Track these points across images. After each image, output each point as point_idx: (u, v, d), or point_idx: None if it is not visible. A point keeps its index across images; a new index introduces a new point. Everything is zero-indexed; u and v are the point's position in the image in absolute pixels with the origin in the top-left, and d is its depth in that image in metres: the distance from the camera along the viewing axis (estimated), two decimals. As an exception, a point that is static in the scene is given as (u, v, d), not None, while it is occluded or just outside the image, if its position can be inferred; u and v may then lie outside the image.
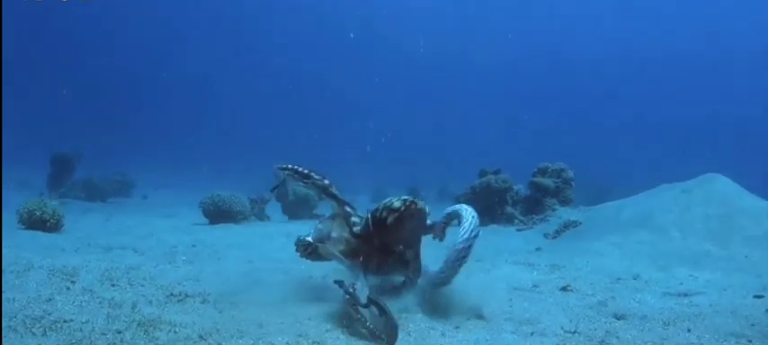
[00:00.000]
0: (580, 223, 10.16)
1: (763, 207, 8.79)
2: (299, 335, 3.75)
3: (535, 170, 12.48)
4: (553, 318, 4.38)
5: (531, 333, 4.04)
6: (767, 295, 5.55)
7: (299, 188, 12.27)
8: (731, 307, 4.95)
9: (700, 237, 8.27)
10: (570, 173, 12.42)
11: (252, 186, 12.79)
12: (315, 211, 12.58)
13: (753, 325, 4.34)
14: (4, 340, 3.36)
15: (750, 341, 4.00)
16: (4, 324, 3.57)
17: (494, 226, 11.15)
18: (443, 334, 3.96)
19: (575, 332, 4.02)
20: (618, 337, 3.97)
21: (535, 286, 5.64)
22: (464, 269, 4.84)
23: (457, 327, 4.14)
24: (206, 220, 10.99)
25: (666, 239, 8.41)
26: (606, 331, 4.02)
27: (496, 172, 11.84)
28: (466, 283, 5.62)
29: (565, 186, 12.15)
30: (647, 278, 6.49)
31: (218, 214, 10.85)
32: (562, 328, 4.12)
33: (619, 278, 6.37)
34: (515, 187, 12.09)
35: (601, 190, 21.22)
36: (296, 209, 12.44)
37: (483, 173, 11.94)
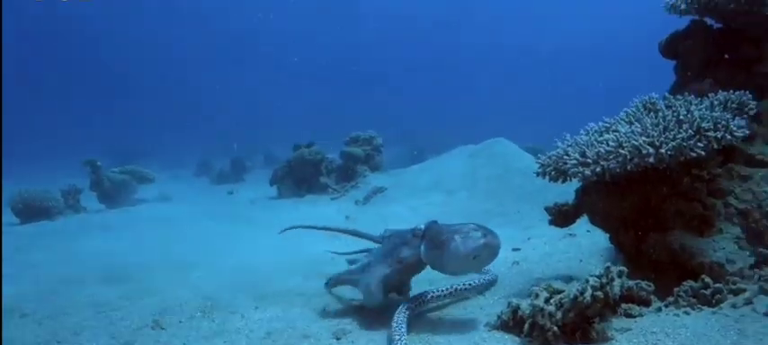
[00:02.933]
0: (386, 188, 11.19)
1: (535, 166, 10.31)
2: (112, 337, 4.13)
3: (347, 139, 13.40)
4: (341, 290, 5.09)
5: (322, 307, 4.57)
6: (523, 248, 6.75)
7: (114, 174, 12.20)
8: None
9: (482, 197, 9.56)
10: (379, 140, 13.46)
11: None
12: (135, 196, 12.62)
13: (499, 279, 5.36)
14: None
15: (483, 295, 4.77)
16: None
17: (310, 196, 11.96)
18: (243, 316, 4.41)
19: (353, 300, 4.72)
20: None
21: (333, 258, 6.34)
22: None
23: (256, 307, 4.64)
24: (17, 220, 10.60)
25: (455, 200, 9.64)
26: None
27: (309, 145, 12.58)
28: (272, 261, 6.31)
29: (375, 153, 13.19)
30: (434, 239, 7.52)
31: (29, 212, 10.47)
32: (346, 297, 4.85)
33: (408, 242, 7.34)
34: (329, 156, 12.96)
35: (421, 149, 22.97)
36: (113, 196, 12.32)
37: (297, 147, 12.64)
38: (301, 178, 12.21)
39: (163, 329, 4.11)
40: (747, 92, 4.34)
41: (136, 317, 4.39)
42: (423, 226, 4.23)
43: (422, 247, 4.13)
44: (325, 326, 4.05)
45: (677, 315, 3.45)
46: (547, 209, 5.06)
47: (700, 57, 5.23)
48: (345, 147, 13.02)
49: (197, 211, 9.94)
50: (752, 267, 3.88)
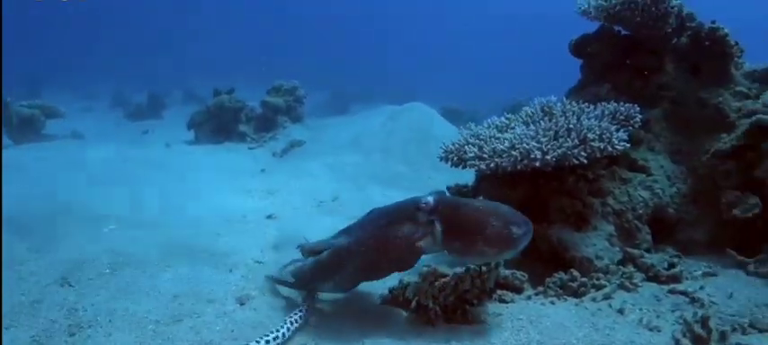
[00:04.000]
0: (304, 142, 11.34)
1: (450, 134, 10.71)
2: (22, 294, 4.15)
3: (269, 87, 13.39)
4: (247, 249, 5.26)
5: (230, 268, 4.78)
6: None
7: (21, 108, 11.75)
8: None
9: (397, 160, 9.87)
10: (302, 92, 13.52)
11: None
12: (43, 131, 12.25)
13: None
14: None
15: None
16: None
17: (228, 144, 11.96)
18: (152, 275, 4.50)
19: (260, 263, 4.98)
20: (290, 264, 4.89)
21: (244, 216, 6.54)
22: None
23: (166, 266, 4.72)
24: None
25: (371, 161, 9.90)
26: (284, 259, 4.95)
27: (230, 92, 12.52)
28: (184, 215, 6.41)
29: (296, 104, 13.26)
30: (346, 199, 7.78)
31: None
32: (252, 259, 5.07)
33: (321, 202, 7.60)
34: (250, 104, 12.93)
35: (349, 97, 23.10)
36: (22, 131, 11.89)
37: (217, 93, 12.54)
38: (220, 125, 12.19)
39: (71, 286, 4.18)
40: (636, 105, 4.77)
41: (44, 272, 4.41)
42: (431, 199, 3.56)
43: (437, 227, 3.47)
44: (231, 291, 4.25)
45: (543, 304, 3.88)
46: (448, 189, 5.41)
47: (603, 61, 5.66)
48: (267, 96, 13.01)
49: (110, 154, 9.77)
50: (618, 263, 4.37)
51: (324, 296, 4.10)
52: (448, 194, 5.33)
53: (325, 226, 6.35)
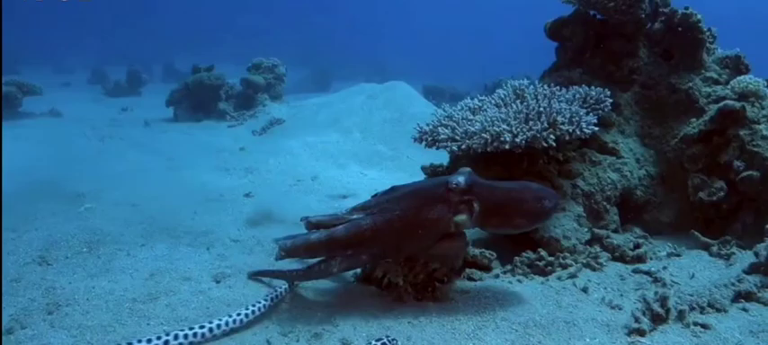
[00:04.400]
0: (284, 120, 11.37)
1: (430, 113, 10.77)
2: None
3: (250, 64, 13.35)
4: (224, 228, 5.33)
5: (207, 246, 4.84)
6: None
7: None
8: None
9: (376, 139, 9.95)
10: (283, 69, 13.50)
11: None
12: (20, 109, 12.13)
13: None
14: None
15: None
16: None
17: (207, 122, 11.96)
18: (129, 254, 4.57)
19: (237, 241, 5.05)
20: (262, 244, 4.93)
21: (221, 195, 6.58)
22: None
23: (143, 245, 4.79)
24: None
25: (350, 140, 9.97)
26: (257, 241, 5.07)
27: (209, 69, 12.46)
28: (162, 192, 6.44)
29: (276, 82, 13.24)
30: (324, 178, 7.86)
31: None
32: (229, 237, 5.14)
33: (299, 180, 7.66)
34: (230, 82, 12.90)
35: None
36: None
37: (196, 70, 12.49)
38: (199, 102, 12.17)
39: (49, 265, 4.22)
40: (606, 90, 4.86)
41: (22, 251, 4.45)
42: (461, 179, 3.55)
43: (476, 207, 3.49)
44: (207, 269, 4.31)
45: (511, 283, 4.00)
46: (423, 169, 5.49)
47: (577, 45, 5.73)
48: (247, 74, 12.98)
49: (87, 131, 9.75)
50: (585, 243, 4.49)
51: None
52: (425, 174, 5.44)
53: (302, 205, 6.45)
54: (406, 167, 8.73)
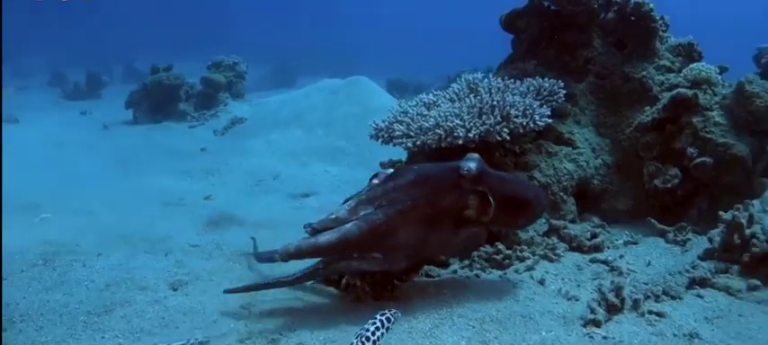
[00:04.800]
0: (246, 119, 11.26)
1: (391, 107, 10.78)
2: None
3: (210, 63, 13.18)
4: (183, 233, 5.24)
5: (165, 253, 4.75)
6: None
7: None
8: (332, 207, 6.34)
9: (338, 135, 9.90)
10: (244, 67, 13.36)
11: None
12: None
13: None
14: None
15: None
16: None
17: (168, 123, 11.77)
18: (85, 264, 4.44)
19: (196, 246, 4.96)
20: (221, 248, 4.88)
21: (181, 199, 6.49)
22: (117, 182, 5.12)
23: (99, 254, 4.66)
24: None
25: (313, 137, 9.91)
26: (216, 245, 5.01)
27: (168, 69, 12.27)
28: (119, 200, 6.33)
29: (238, 80, 13.10)
30: (286, 176, 7.81)
31: None
32: (188, 243, 5.05)
33: (261, 180, 7.59)
34: (190, 81, 12.71)
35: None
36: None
37: (155, 70, 12.28)
38: (158, 103, 11.96)
39: (3, 279, 4.10)
40: (560, 81, 4.90)
41: (-25, 265, 4.31)
42: (473, 166, 3.40)
43: (491, 201, 3.37)
44: (164, 277, 4.24)
45: (468, 278, 4.01)
46: (382, 165, 5.47)
47: (531, 36, 5.76)
48: (207, 72, 12.81)
49: (45, 137, 9.53)
50: (543, 235, 4.52)
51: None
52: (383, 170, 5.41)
53: (264, 205, 6.39)
54: (369, 163, 8.65)
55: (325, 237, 3.34)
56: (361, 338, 2.80)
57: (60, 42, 27.46)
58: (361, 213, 3.39)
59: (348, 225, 3.34)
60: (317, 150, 9.33)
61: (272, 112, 11.38)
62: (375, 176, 3.72)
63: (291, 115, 10.80)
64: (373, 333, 2.81)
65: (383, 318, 2.89)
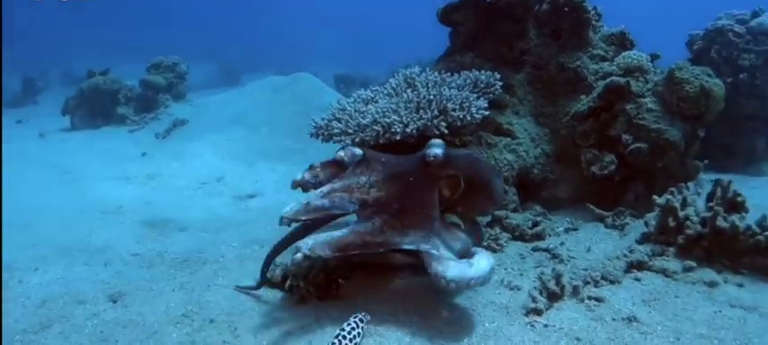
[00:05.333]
0: (188, 121, 11.04)
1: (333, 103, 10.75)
2: None
3: (149, 65, 12.89)
4: (123, 242, 5.09)
5: (104, 264, 4.60)
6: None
7: None
8: (277, 208, 6.27)
9: (283, 133, 9.78)
10: (184, 67, 13.12)
11: None
12: None
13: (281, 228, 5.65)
14: None
15: (262, 246, 4.85)
16: None
17: (107, 128, 11.46)
18: (21, 281, 4.29)
19: (137, 255, 4.85)
20: (163, 256, 4.73)
21: (120, 207, 6.29)
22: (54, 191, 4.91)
23: (36, 269, 4.51)
24: None
25: (258, 136, 9.77)
26: (157, 253, 4.86)
27: (105, 72, 11.96)
28: (56, 214, 6.09)
29: (178, 80, 12.85)
30: (230, 178, 7.68)
31: None
32: (128, 252, 4.92)
33: (204, 183, 7.45)
34: (129, 83, 12.41)
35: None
36: None
37: (91, 74, 11.95)
38: (96, 108, 11.65)
39: None
40: (496, 73, 4.95)
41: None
42: (439, 152, 3.37)
43: (462, 184, 3.41)
44: (103, 289, 4.12)
45: (412, 275, 4.02)
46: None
47: (468, 29, 5.81)
48: (147, 75, 12.53)
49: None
50: (486, 225, 4.57)
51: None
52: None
53: (206, 209, 6.27)
54: (315, 160, 8.63)
55: (339, 233, 3.23)
56: (339, 337, 2.89)
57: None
58: (337, 200, 3.38)
59: (346, 233, 3.26)
60: (262, 150, 9.21)
61: (214, 113, 11.18)
62: (342, 150, 3.79)
63: (234, 115, 10.63)
64: (349, 333, 2.92)
65: (357, 320, 2.99)
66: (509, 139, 5.16)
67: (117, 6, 41.17)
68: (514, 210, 4.94)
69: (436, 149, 3.41)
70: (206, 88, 16.75)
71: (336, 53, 28.75)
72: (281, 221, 3.47)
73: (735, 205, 4.04)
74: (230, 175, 7.85)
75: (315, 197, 3.45)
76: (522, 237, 4.63)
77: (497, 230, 4.60)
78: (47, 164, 8.40)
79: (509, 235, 4.61)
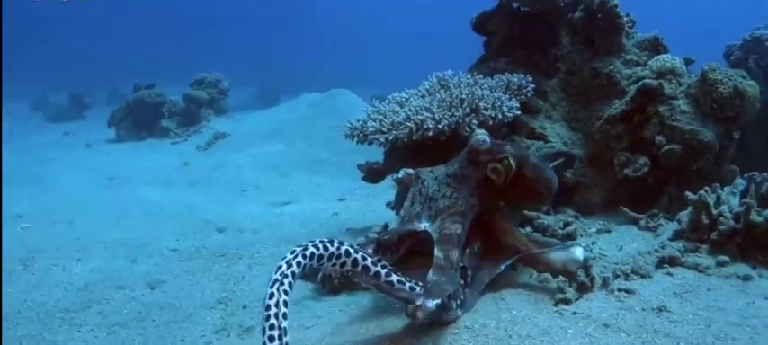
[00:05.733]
0: (228, 134, 11.33)
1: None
2: None
3: (192, 81, 13.27)
4: (163, 239, 5.28)
5: (145, 256, 4.80)
6: (348, 198, 7.27)
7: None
8: (311, 213, 6.44)
9: (320, 146, 9.99)
10: (226, 84, 13.48)
11: None
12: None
13: (313, 229, 5.79)
14: None
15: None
16: None
17: (151, 140, 11.85)
18: (64, 268, 4.51)
19: (176, 250, 5.01)
20: (201, 251, 4.91)
21: (162, 208, 6.53)
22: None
23: (79, 259, 4.74)
24: None
25: (294, 149, 10.00)
26: (196, 249, 5.00)
27: (150, 87, 12.36)
28: (99, 212, 6.35)
29: (220, 96, 13.19)
30: (267, 187, 7.88)
31: None
32: (168, 247, 5.10)
33: (243, 191, 7.65)
34: (173, 98, 12.79)
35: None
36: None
37: (137, 88, 12.37)
38: (141, 121, 12.05)
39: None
40: (528, 76, 5.00)
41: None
42: (486, 137, 3.40)
43: (512, 164, 3.37)
44: (142, 277, 4.30)
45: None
46: (359, 167, 5.56)
47: (502, 36, 5.88)
48: (190, 90, 12.90)
49: (27, 157, 9.54)
50: (517, 226, 4.59)
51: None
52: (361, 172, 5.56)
53: (244, 213, 6.45)
54: (348, 172, 8.73)
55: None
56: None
57: (43, 67, 27.41)
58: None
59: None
60: (298, 161, 9.42)
61: (253, 127, 11.47)
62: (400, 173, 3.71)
63: (272, 129, 10.90)
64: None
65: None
66: (542, 143, 5.17)
67: (162, 32, 42.44)
68: (547, 213, 4.95)
69: (482, 135, 3.42)
70: (246, 109, 17.12)
71: (374, 75, 29.00)
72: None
73: (768, 200, 4.00)
74: (267, 184, 8.04)
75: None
76: (553, 237, 4.62)
77: (529, 229, 4.61)
78: (92, 170, 8.75)
79: (540, 235, 4.61)
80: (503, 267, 3.46)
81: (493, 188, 3.43)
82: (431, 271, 2.96)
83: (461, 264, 3.22)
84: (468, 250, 3.38)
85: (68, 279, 4.28)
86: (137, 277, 4.31)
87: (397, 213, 4.14)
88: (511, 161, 3.38)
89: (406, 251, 3.39)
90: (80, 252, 4.93)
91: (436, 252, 3.06)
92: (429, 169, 3.57)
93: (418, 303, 2.80)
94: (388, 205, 5.39)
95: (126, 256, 4.86)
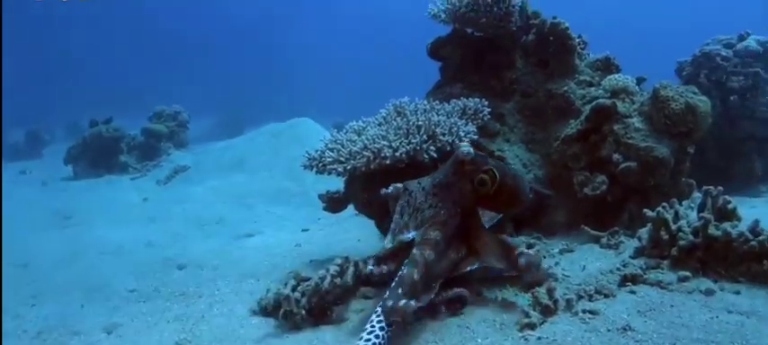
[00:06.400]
0: (189, 167, 11.19)
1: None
2: None
3: (151, 114, 13.11)
4: (121, 279, 5.13)
5: (101, 299, 4.64)
6: (312, 228, 7.20)
7: None
8: (275, 245, 6.36)
9: (283, 175, 9.92)
10: (185, 116, 13.34)
11: None
12: None
13: (276, 262, 5.68)
14: None
15: (258, 279, 4.90)
16: None
17: (109, 176, 11.60)
18: (18, 315, 4.36)
19: (134, 291, 4.88)
20: (160, 291, 4.78)
21: (120, 247, 6.38)
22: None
23: (33, 305, 4.58)
24: None
25: (257, 179, 9.90)
26: (154, 288, 4.88)
27: (107, 122, 12.15)
28: (55, 255, 6.17)
29: (180, 129, 13.05)
30: (229, 220, 7.76)
31: None
32: (126, 288, 4.96)
33: (203, 225, 7.53)
34: (132, 132, 12.60)
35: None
36: None
37: (93, 123, 12.15)
38: (99, 157, 11.82)
39: None
40: (484, 100, 5.04)
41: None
42: (469, 149, 3.63)
43: (496, 175, 3.66)
44: (98, 321, 4.16)
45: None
46: (320, 197, 5.51)
47: (456, 62, 5.93)
48: (148, 123, 12.73)
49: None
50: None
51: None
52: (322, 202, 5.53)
53: (205, 248, 6.33)
54: (312, 202, 8.70)
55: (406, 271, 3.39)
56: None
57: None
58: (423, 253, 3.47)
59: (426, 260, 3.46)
60: (261, 192, 9.32)
61: (215, 159, 11.35)
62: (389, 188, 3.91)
63: (234, 160, 10.80)
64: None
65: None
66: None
67: (120, 63, 41.87)
68: (510, 235, 4.96)
69: (467, 148, 3.65)
70: (207, 140, 16.94)
71: (336, 104, 29.02)
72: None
73: (725, 213, 4.06)
74: (230, 217, 7.93)
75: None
76: (516, 259, 4.62)
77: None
78: (47, 210, 8.52)
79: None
80: (469, 268, 3.70)
81: (475, 196, 3.68)
82: (403, 265, 3.39)
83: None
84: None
85: (22, 327, 4.13)
86: (93, 321, 4.17)
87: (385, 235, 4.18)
88: (495, 172, 3.66)
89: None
90: (34, 297, 4.77)
91: (414, 249, 3.45)
92: (416, 181, 3.81)
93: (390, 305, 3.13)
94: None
95: (82, 299, 4.71)
